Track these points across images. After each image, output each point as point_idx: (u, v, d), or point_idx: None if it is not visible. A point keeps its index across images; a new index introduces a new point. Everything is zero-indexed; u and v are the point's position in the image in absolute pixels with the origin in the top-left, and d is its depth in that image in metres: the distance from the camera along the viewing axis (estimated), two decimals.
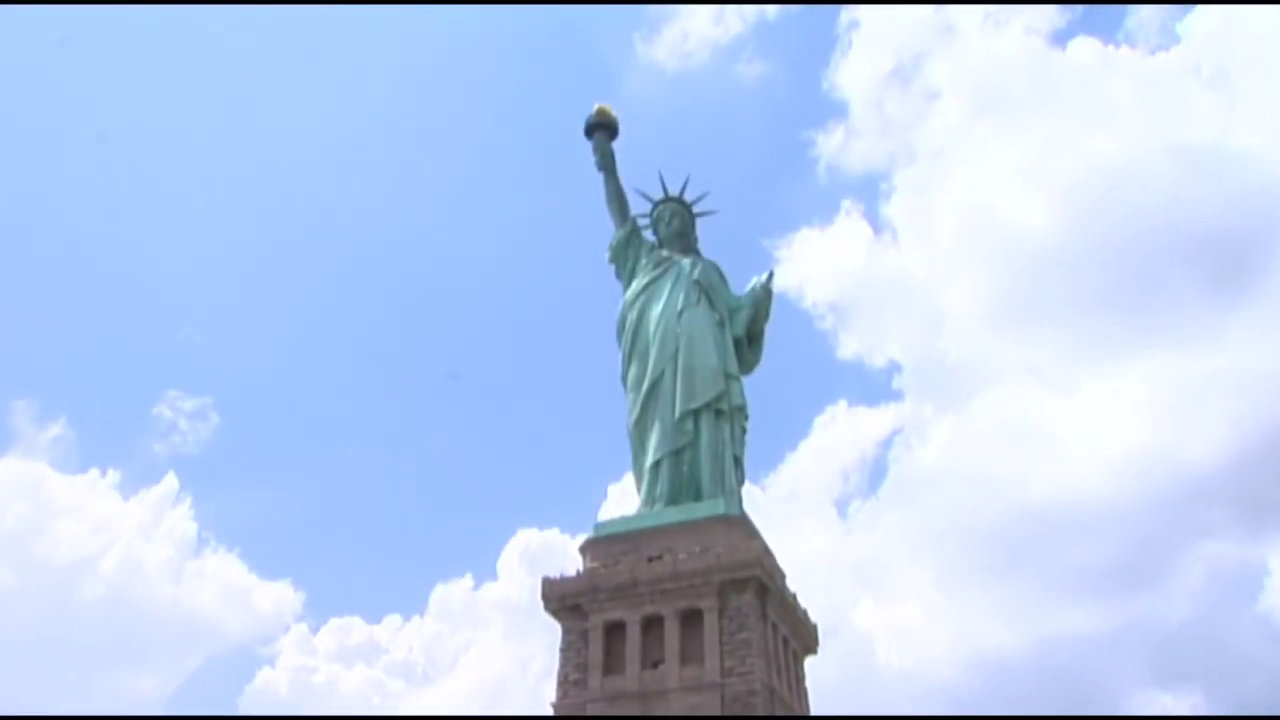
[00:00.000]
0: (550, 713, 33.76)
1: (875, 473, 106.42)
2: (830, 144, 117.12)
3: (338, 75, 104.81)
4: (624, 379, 37.36)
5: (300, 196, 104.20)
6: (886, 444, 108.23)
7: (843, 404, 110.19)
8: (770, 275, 38.00)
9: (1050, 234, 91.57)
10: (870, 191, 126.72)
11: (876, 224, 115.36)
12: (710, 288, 37.63)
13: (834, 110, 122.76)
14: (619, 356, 37.78)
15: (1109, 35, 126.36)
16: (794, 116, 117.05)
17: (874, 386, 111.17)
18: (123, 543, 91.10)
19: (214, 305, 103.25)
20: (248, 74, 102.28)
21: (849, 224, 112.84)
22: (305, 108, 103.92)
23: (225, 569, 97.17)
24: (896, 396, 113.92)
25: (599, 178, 40.47)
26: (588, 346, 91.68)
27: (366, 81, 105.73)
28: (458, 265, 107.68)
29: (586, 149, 40.17)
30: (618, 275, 39.67)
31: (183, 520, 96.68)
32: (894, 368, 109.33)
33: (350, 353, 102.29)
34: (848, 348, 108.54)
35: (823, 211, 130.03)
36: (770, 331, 38.73)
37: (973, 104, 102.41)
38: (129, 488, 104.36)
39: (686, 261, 38.07)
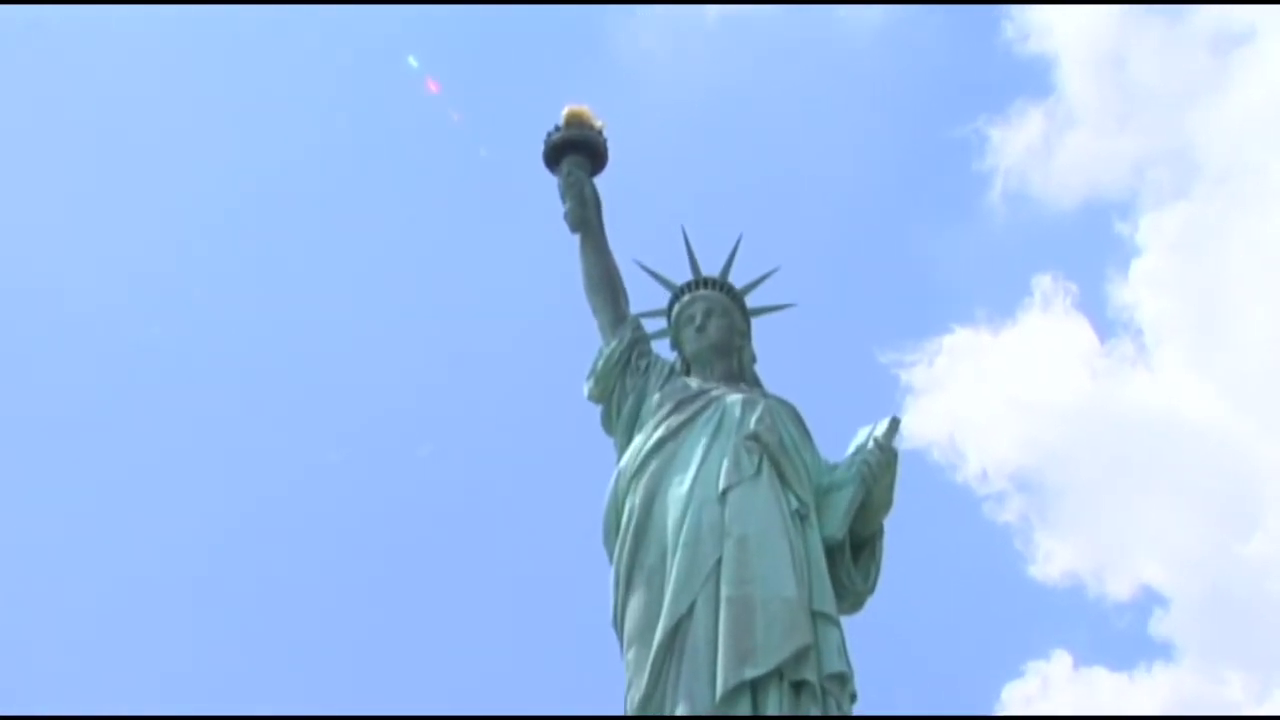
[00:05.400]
0: None
1: None
2: (1014, 146, 69.23)
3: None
4: (617, 619, 26.05)
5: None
6: None
7: (1059, 663, 65.84)
8: (894, 424, 27.25)
9: None
10: (1093, 249, 73.40)
11: (1103, 318, 69.36)
12: (780, 448, 26.63)
13: (1024, 80, 72.38)
14: (609, 577, 26.42)
15: None
16: (946, 96, 70.14)
17: (1114, 632, 67.86)
18: None
19: None
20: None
21: (1048, 319, 67.94)
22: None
23: None
24: (1162, 653, 67.47)
25: (572, 241, 29.66)
26: (552, 556, 58.06)
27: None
28: (302, 405, 69.75)
29: (549, 189, 29.30)
30: (607, 425, 28.97)
31: None
32: (1153, 599, 65.44)
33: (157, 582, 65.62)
34: (1056, 559, 64.59)
35: (997, 292, 71.61)
36: (896, 526, 27.33)
37: None
38: None
39: (735, 400, 27.35)
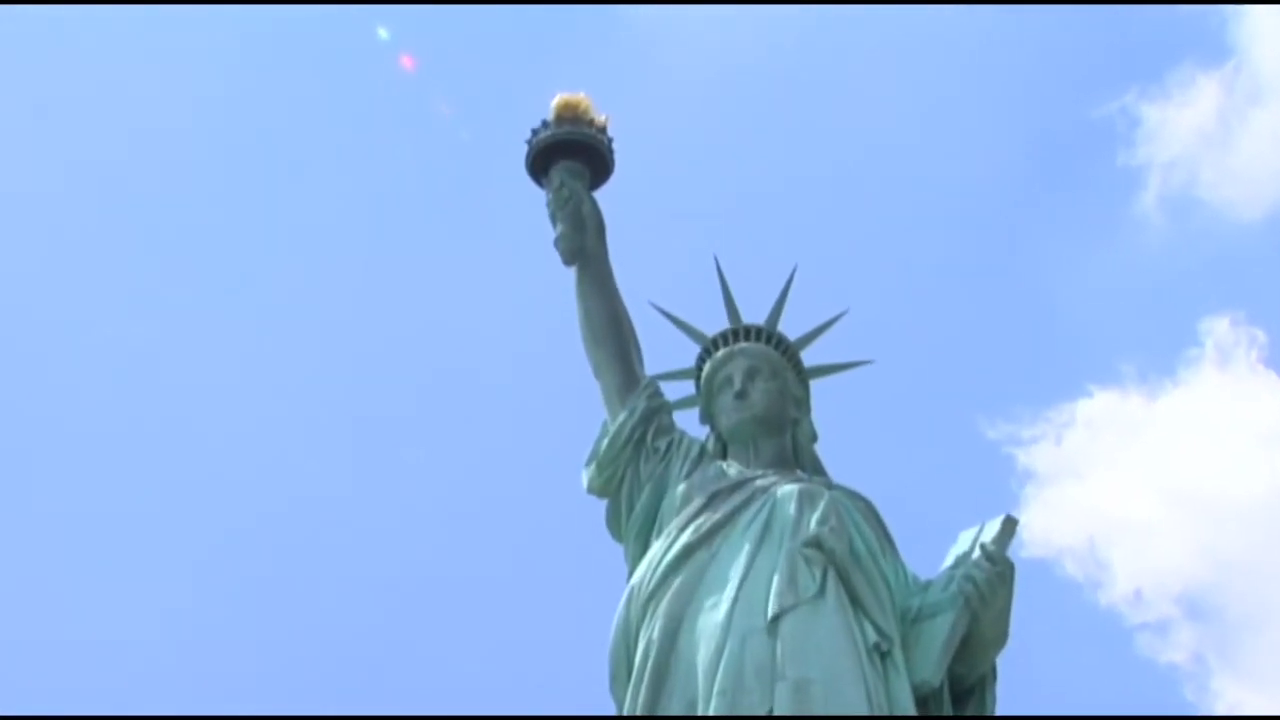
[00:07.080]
0: None
1: None
2: (1176, 132, 61.63)
3: None
4: None
5: None
6: None
7: None
8: (1009, 525, 23.00)
9: None
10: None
11: None
12: (852, 559, 22.92)
13: (1191, 39, 63.01)
14: None
15: None
16: (1080, 63, 59.27)
17: None
18: None
19: None
20: None
21: (1225, 378, 60.04)
22: None
23: None
24: None
25: (567, 276, 26.69)
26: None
27: None
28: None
29: (536, 208, 26.20)
30: (615, 527, 25.23)
31: None
32: None
33: None
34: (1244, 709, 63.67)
35: (1152, 341, 64.74)
36: (1015, 665, 23.49)
37: None
38: None
39: (789, 491, 23.50)
